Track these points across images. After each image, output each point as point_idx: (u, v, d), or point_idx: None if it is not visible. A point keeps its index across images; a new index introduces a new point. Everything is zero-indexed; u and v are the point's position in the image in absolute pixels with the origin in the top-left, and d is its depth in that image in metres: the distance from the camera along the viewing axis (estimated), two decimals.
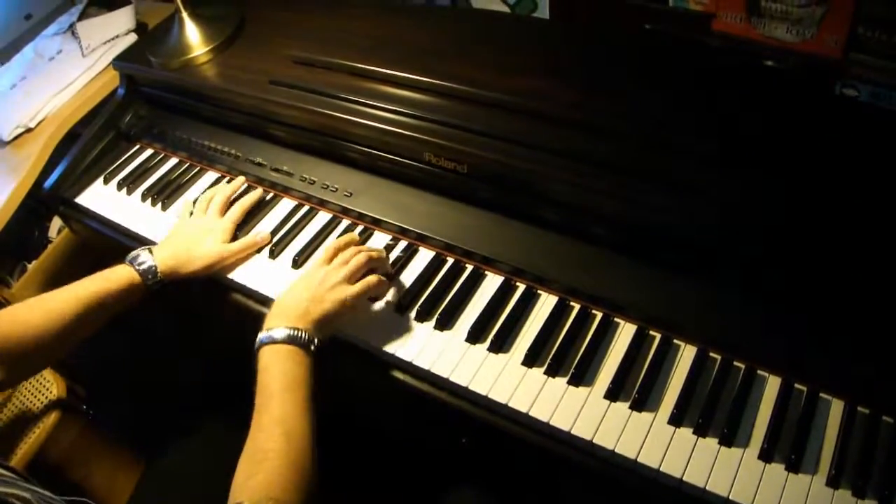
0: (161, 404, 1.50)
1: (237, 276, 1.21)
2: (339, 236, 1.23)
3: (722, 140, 1.04)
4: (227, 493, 0.89)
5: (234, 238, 1.25)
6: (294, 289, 1.08)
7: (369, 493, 1.29)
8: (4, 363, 1.04)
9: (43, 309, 1.09)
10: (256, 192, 1.32)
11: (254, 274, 1.21)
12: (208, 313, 1.51)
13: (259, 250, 1.24)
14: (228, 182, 1.35)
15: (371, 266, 1.11)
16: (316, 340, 1.01)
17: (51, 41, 1.86)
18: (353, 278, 1.08)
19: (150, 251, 1.19)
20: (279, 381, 0.95)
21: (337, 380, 1.04)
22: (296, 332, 0.99)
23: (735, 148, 1.04)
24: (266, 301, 1.17)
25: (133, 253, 1.19)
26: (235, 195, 1.32)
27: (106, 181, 1.45)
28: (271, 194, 1.33)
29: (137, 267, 1.16)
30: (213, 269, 1.21)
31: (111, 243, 1.38)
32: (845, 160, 1.03)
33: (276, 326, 1.00)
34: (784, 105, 1.12)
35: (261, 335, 1.01)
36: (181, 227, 1.26)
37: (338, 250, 1.12)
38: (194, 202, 1.32)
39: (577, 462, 0.94)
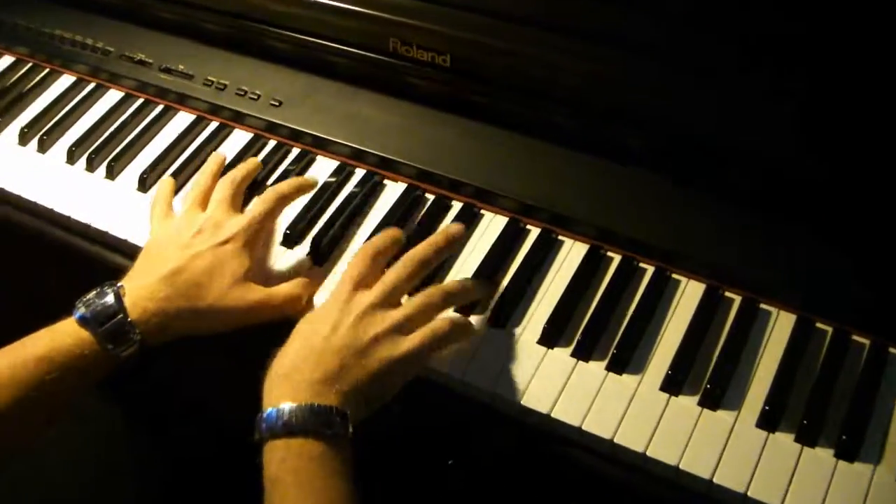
0: None
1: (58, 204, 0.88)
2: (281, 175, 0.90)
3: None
4: None
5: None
6: (313, 331, 0.66)
7: None
8: None
9: None
10: (253, 162, 0.88)
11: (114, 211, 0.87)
12: None
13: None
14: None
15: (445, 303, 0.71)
16: (350, 425, 0.61)
17: None
18: (412, 325, 0.67)
19: (117, 292, 0.68)
20: None
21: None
22: (324, 411, 0.60)
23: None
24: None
25: (83, 299, 0.68)
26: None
27: None
28: (161, 106, 0.99)
29: (94, 329, 0.66)
30: (241, 324, 0.73)
31: None
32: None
33: (286, 399, 0.60)
34: None
35: (263, 416, 0.60)
36: (166, 239, 0.75)
37: (379, 256, 0.71)
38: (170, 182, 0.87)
39: None
